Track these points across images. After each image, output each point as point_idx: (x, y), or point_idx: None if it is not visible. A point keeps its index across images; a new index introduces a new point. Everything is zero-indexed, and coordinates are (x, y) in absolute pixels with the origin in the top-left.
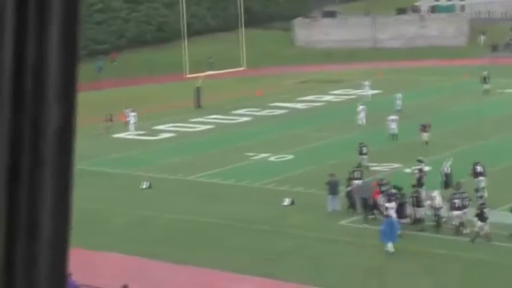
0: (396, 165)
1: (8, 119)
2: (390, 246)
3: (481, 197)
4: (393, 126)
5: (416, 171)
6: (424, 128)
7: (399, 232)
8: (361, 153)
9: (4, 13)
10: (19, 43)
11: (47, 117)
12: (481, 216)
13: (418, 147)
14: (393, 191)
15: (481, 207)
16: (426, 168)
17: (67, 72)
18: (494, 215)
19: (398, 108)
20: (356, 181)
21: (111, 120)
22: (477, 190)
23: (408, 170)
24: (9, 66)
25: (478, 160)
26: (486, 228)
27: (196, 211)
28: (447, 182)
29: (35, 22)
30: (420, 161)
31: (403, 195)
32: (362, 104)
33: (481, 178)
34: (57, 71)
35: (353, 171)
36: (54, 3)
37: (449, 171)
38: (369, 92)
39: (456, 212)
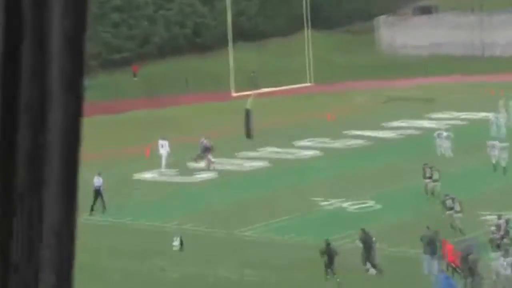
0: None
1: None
2: None
3: None
4: (493, 153)
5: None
6: None
7: None
8: (424, 177)
9: None
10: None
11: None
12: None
13: None
14: None
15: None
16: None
17: (72, 83)
18: None
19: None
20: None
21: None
22: None
23: None
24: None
25: None
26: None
27: (240, 284)
28: None
29: (31, 21)
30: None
31: None
32: (446, 131)
33: None
34: (60, 81)
35: (444, 201)
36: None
37: None
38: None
39: None
